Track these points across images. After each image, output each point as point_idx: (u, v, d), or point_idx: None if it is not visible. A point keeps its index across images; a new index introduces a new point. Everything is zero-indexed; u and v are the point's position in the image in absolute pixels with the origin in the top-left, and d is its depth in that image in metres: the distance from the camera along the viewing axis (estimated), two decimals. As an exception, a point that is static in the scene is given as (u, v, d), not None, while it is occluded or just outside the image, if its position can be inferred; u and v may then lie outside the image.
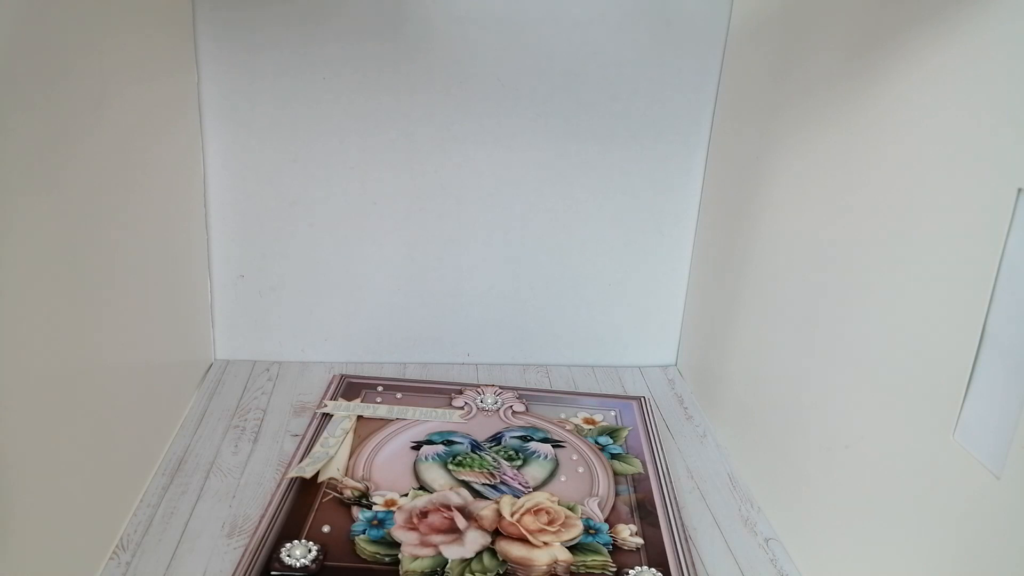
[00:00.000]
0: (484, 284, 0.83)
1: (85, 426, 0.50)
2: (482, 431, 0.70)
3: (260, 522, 0.57)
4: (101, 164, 0.52)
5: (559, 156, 0.79)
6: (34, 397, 0.44)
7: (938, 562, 0.43)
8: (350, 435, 0.68)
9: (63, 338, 0.47)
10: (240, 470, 0.64)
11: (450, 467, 0.64)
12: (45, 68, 0.44)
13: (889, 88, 0.49)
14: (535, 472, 0.64)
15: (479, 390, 0.77)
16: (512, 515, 0.58)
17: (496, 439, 0.69)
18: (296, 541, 0.54)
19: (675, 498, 0.63)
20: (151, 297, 0.62)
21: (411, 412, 0.72)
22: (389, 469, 0.63)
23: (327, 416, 0.71)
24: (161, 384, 0.66)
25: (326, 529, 0.56)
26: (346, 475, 0.62)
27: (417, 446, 0.67)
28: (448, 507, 0.59)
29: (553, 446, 0.68)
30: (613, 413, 0.76)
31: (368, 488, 0.61)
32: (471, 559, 0.54)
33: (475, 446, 0.67)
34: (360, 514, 0.58)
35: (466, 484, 0.62)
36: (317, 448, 0.65)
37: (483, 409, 0.74)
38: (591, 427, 0.72)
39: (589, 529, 0.58)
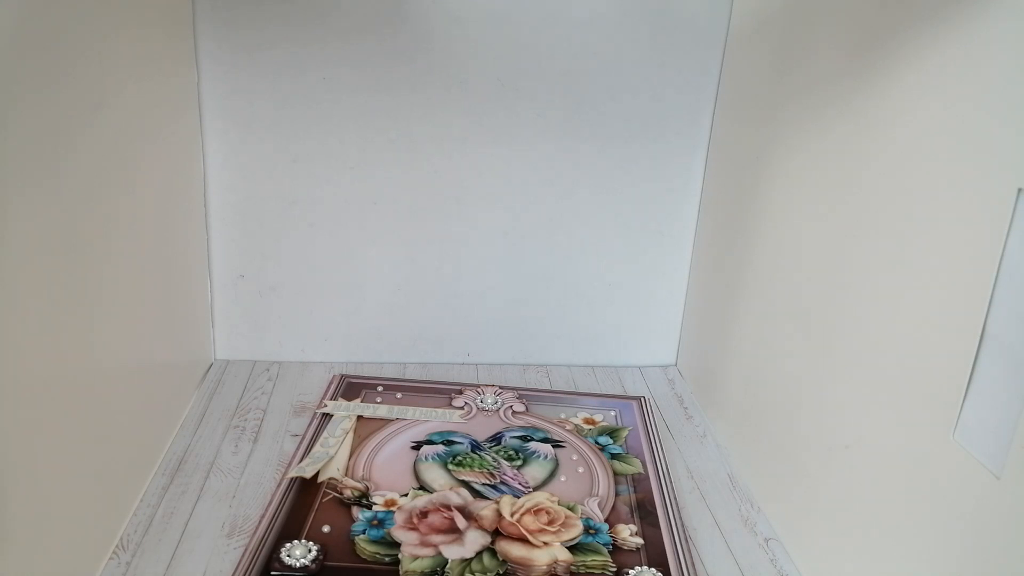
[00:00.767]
0: (484, 284, 0.83)
1: (85, 426, 0.50)
2: (482, 431, 0.70)
3: (260, 522, 0.57)
4: (100, 163, 0.52)
5: (559, 155, 0.79)
6: (33, 398, 0.43)
7: (938, 562, 0.43)
8: (350, 435, 0.68)
9: (62, 338, 0.47)
10: (240, 470, 0.64)
11: (450, 467, 0.64)
12: (44, 67, 0.44)
13: (889, 88, 0.49)
14: (535, 472, 0.64)
15: (479, 390, 0.77)
16: (512, 515, 0.58)
17: (496, 439, 0.69)
18: (296, 541, 0.54)
19: (675, 498, 0.63)
20: (150, 297, 0.62)
21: (411, 412, 0.72)
22: (389, 469, 0.63)
23: (327, 416, 0.71)
24: (161, 384, 0.66)
25: (326, 529, 0.56)
26: (346, 475, 0.62)
27: (417, 446, 0.67)
28: (448, 507, 0.59)
29: (553, 446, 0.68)
30: (613, 413, 0.76)
31: (368, 488, 0.61)
32: (471, 559, 0.54)
33: (475, 446, 0.67)
34: (360, 514, 0.58)
35: (466, 484, 0.62)
36: (317, 448, 0.65)
37: (483, 409, 0.74)
38: (591, 427, 0.72)
39: (589, 529, 0.58)
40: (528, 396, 0.77)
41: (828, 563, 0.54)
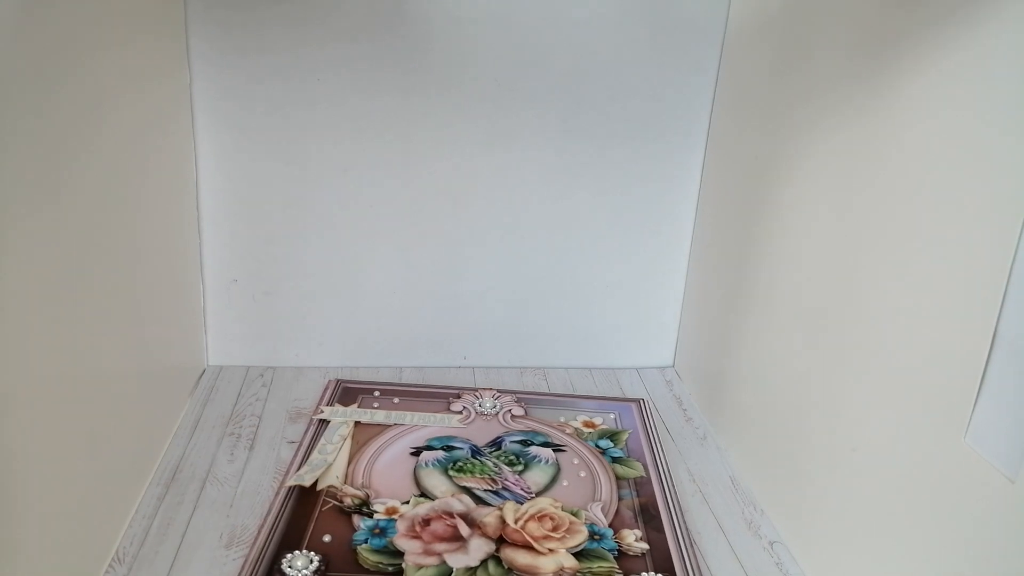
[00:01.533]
0: (480, 286, 0.83)
1: (77, 435, 0.49)
2: (482, 436, 0.69)
3: (259, 532, 0.56)
4: (91, 168, 0.51)
5: (556, 157, 0.79)
6: (23, 407, 0.42)
7: (949, 567, 0.43)
8: (348, 441, 0.67)
9: (52, 346, 0.46)
10: (237, 479, 0.63)
11: (451, 473, 0.63)
12: (36, 72, 0.43)
13: (896, 90, 0.49)
14: (536, 477, 0.64)
15: (477, 394, 0.77)
16: (516, 522, 0.57)
17: (496, 444, 0.68)
18: (297, 552, 0.53)
19: (678, 502, 0.63)
20: (142, 302, 0.61)
21: (409, 417, 0.71)
22: (389, 476, 0.63)
23: (324, 422, 0.70)
24: (153, 391, 0.64)
25: (327, 539, 0.55)
26: (345, 483, 0.61)
27: (416, 452, 0.66)
28: (451, 514, 0.58)
29: (554, 450, 0.68)
30: (612, 416, 0.75)
31: (368, 496, 0.60)
32: (476, 567, 0.53)
33: (475, 451, 0.67)
34: (361, 523, 0.57)
35: (468, 490, 0.61)
36: (315, 455, 0.64)
37: (482, 413, 0.73)
38: (591, 430, 0.72)
39: (594, 535, 0.57)
40: (527, 399, 0.77)
41: (834, 567, 0.54)
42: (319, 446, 0.66)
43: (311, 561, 0.52)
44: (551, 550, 0.55)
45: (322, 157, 0.76)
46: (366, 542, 0.55)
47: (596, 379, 0.85)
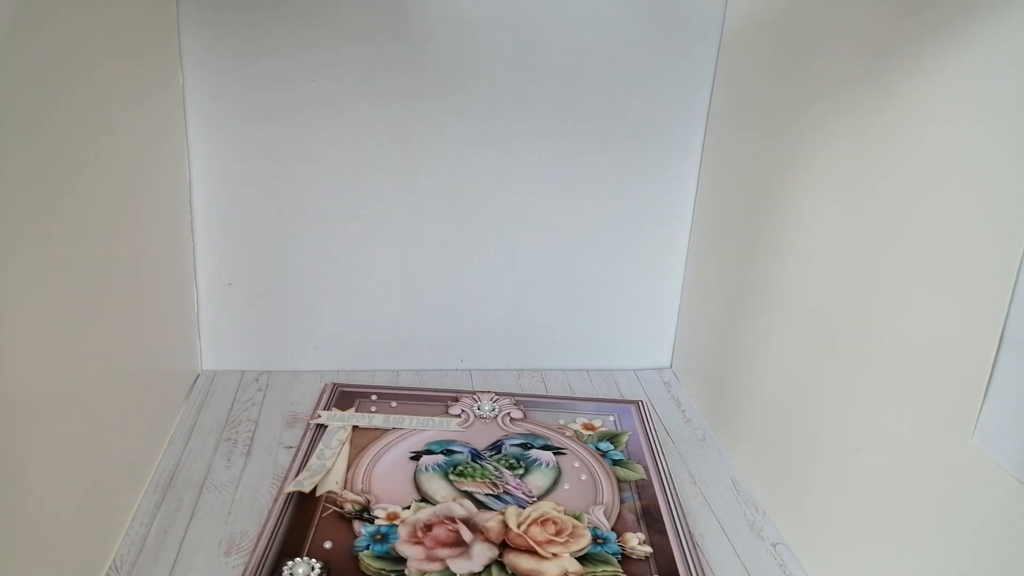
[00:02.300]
0: (477, 288, 0.82)
1: (72, 442, 0.48)
2: (481, 439, 0.69)
3: (259, 539, 0.55)
4: (83, 172, 0.50)
5: (553, 158, 0.78)
6: (17, 416, 0.41)
7: (956, 570, 0.43)
8: (346, 446, 0.66)
9: (44, 352, 0.45)
10: (234, 485, 0.62)
11: (451, 477, 0.63)
12: (28, 78, 0.42)
13: (900, 89, 0.49)
14: (537, 480, 0.63)
15: (475, 397, 0.76)
16: (519, 526, 0.57)
17: (496, 447, 0.68)
18: (298, 559, 0.53)
19: (680, 504, 0.62)
20: (135, 307, 0.60)
21: (408, 421, 0.71)
22: (389, 481, 0.62)
23: (321, 427, 0.69)
24: (147, 397, 0.63)
25: (328, 545, 0.54)
26: (345, 488, 0.61)
27: (416, 456, 0.65)
28: (453, 519, 0.57)
29: (554, 453, 0.67)
30: (612, 418, 0.75)
31: (369, 501, 0.59)
32: (480, 573, 0.52)
33: (475, 455, 0.66)
34: (362, 528, 0.56)
35: (469, 495, 0.61)
36: (313, 460, 0.64)
37: (480, 416, 0.73)
38: (591, 433, 0.71)
39: (597, 539, 0.57)
40: (525, 402, 0.76)
41: (838, 568, 0.53)
42: (317, 451, 0.65)
43: (312, 568, 0.52)
44: (555, 555, 0.54)
45: (317, 159, 0.75)
46: (368, 548, 0.54)
47: (594, 381, 0.84)
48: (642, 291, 0.85)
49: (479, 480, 0.62)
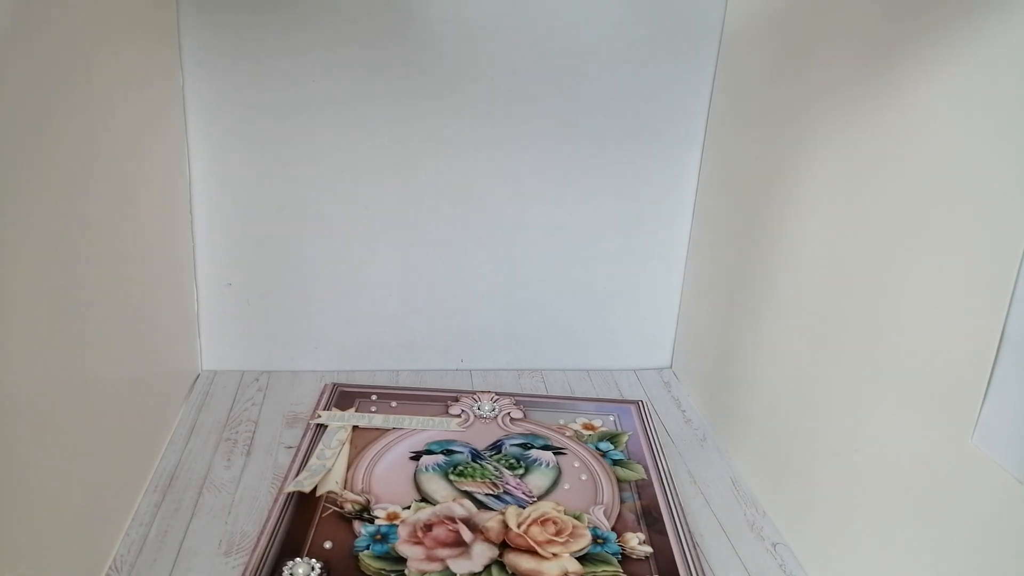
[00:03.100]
0: (477, 288, 0.82)
1: (71, 443, 0.48)
2: (481, 439, 0.69)
3: (259, 539, 0.55)
4: (83, 171, 0.50)
5: (553, 158, 0.78)
6: (16, 416, 0.41)
7: (956, 570, 0.43)
8: (346, 446, 0.66)
9: (44, 352, 0.45)
10: (234, 485, 0.62)
11: (451, 477, 0.63)
12: (29, 76, 0.42)
13: (900, 91, 0.49)
14: (537, 480, 0.63)
15: (475, 397, 0.76)
16: (519, 526, 0.57)
17: (496, 447, 0.68)
18: (298, 559, 0.53)
19: (680, 504, 0.62)
20: (134, 307, 0.60)
21: (408, 421, 0.71)
22: (389, 481, 0.62)
23: (321, 427, 0.69)
24: (147, 397, 0.63)
25: (328, 545, 0.54)
26: (345, 488, 0.61)
27: (416, 456, 0.65)
28: (453, 519, 0.57)
29: (554, 453, 0.67)
30: (612, 418, 0.75)
31: (369, 501, 0.59)
32: (480, 573, 0.52)
33: (475, 455, 0.66)
34: (362, 528, 0.56)
35: (469, 495, 0.61)
36: (313, 460, 0.64)
37: (480, 416, 0.73)
38: (591, 433, 0.71)
39: (597, 539, 0.57)
40: (525, 402, 0.76)
41: (838, 568, 0.53)
42: (317, 451, 0.65)
43: (313, 568, 0.52)
44: (555, 555, 0.54)
45: (317, 159, 0.75)
46: (368, 548, 0.54)
47: (594, 381, 0.84)
48: (642, 291, 0.85)
49: (479, 480, 0.62)
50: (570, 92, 0.76)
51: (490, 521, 0.57)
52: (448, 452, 0.66)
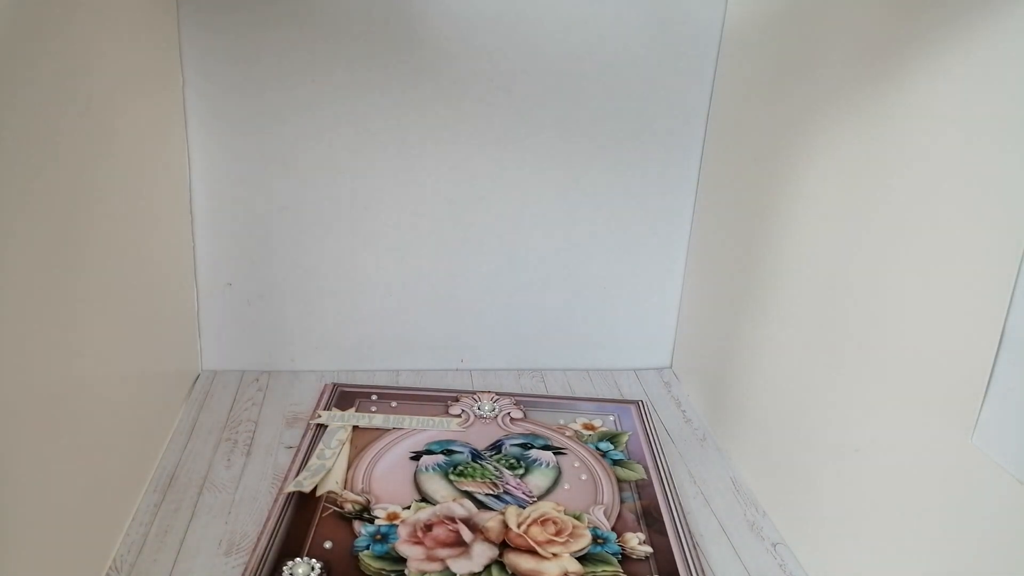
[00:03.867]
0: (477, 288, 0.82)
1: (71, 442, 0.48)
2: (481, 439, 0.69)
3: (259, 539, 0.55)
4: (83, 172, 0.50)
5: (553, 158, 0.78)
6: (16, 415, 0.41)
7: (956, 570, 0.43)
8: (346, 446, 0.66)
9: (44, 352, 0.45)
10: (234, 485, 0.62)
11: (451, 477, 0.63)
12: (29, 76, 0.42)
13: (902, 90, 0.49)
14: (538, 480, 0.63)
15: (475, 397, 0.76)
16: (519, 526, 0.57)
17: (496, 447, 0.68)
18: (298, 559, 0.53)
19: (680, 504, 0.62)
20: (135, 307, 0.60)
21: (408, 421, 0.71)
22: (389, 481, 0.62)
23: (321, 427, 0.69)
24: (147, 397, 0.63)
25: (328, 545, 0.54)
26: (345, 488, 0.61)
27: (416, 456, 0.65)
28: (453, 519, 0.57)
29: (554, 453, 0.67)
30: (612, 418, 0.75)
31: (369, 501, 0.59)
32: (480, 573, 0.52)
33: (475, 455, 0.66)
34: (362, 528, 0.56)
35: (469, 495, 0.61)
36: (313, 460, 0.64)
37: (480, 416, 0.73)
38: (591, 433, 0.71)
39: (597, 539, 0.57)
40: (525, 402, 0.76)
41: (838, 568, 0.53)
42: (317, 451, 0.65)
43: (312, 568, 0.52)
44: (555, 555, 0.54)
45: (317, 159, 0.75)
46: (368, 548, 0.54)
47: (594, 381, 0.84)
48: (642, 291, 0.85)
49: (479, 480, 0.62)
50: (570, 92, 0.76)
51: (490, 521, 0.57)
52: (448, 452, 0.66)
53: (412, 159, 0.76)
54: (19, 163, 0.41)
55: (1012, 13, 0.40)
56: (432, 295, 0.81)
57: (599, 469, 0.66)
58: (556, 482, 0.63)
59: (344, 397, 0.75)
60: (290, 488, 0.60)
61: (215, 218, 0.76)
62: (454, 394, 0.77)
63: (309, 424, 0.70)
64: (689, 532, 0.59)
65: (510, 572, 0.53)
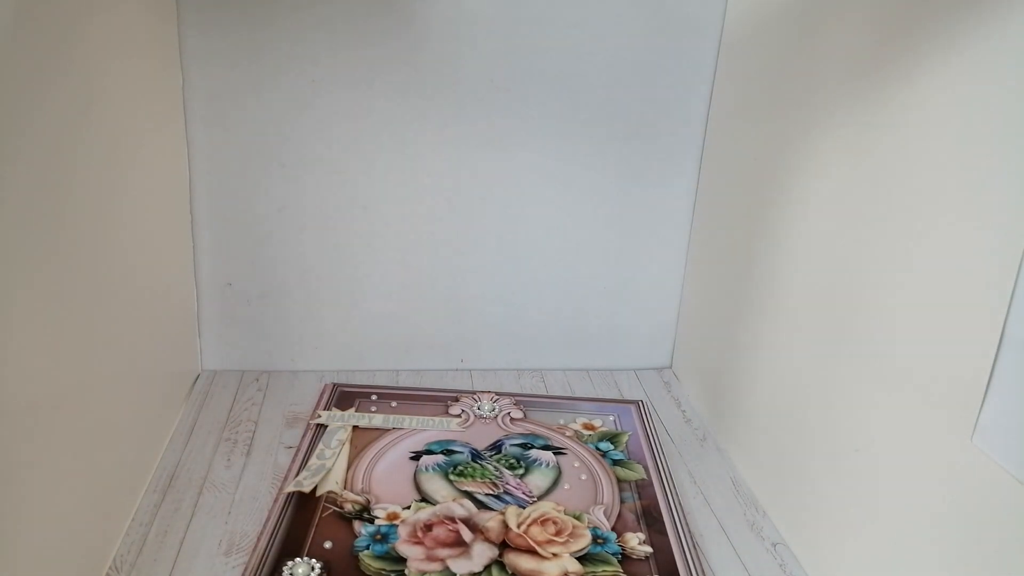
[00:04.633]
0: (477, 288, 0.82)
1: (72, 442, 0.48)
2: (481, 439, 0.69)
3: (259, 539, 0.55)
4: (83, 171, 0.50)
5: (553, 158, 0.78)
6: (16, 416, 0.41)
7: (956, 570, 0.43)
8: (346, 446, 0.66)
9: (44, 352, 0.45)
10: (234, 485, 0.62)
11: (451, 477, 0.63)
12: (29, 75, 0.42)
13: (902, 89, 0.49)
14: (537, 480, 0.63)
15: (475, 397, 0.76)
16: (519, 526, 0.57)
17: (496, 447, 0.68)
18: (298, 559, 0.53)
19: (680, 504, 0.62)
20: (134, 307, 0.60)
21: (408, 421, 0.71)
22: (389, 481, 0.62)
23: (321, 427, 0.69)
24: (147, 397, 0.63)
25: (328, 545, 0.54)
26: (345, 488, 0.61)
27: (416, 456, 0.65)
28: (453, 519, 0.57)
29: (554, 453, 0.67)
30: (612, 418, 0.75)
31: (369, 501, 0.59)
32: (480, 573, 0.52)
33: (475, 455, 0.66)
34: (362, 528, 0.56)
35: (469, 495, 0.61)
36: (313, 460, 0.64)
37: (480, 416, 0.73)
38: (591, 433, 0.71)
39: (597, 539, 0.57)
40: (525, 402, 0.76)
41: (838, 568, 0.53)
42: (317, 451, 0.65)
43: (312, 568, 0.52)
44: (555, 555, 0.54)
45: (317, 159, 0.75)
46: (368, 548, 0.54)
47: (594, 381, 0.84)
48: (642, 291, 0.85)
49: (479, 480, 0.62)
50: (570, 91, 0.76)
51: (490, 521, 0.57)
52: (448, 452, 0.66)
53: (412, 159, 0.76)
54: (19, 163, 0.41)
55: (1012, 13, 0.40)
56: (432, 295, 0.81)
57: (599, 469, 0.66)
58: (556, 482, 0.63)
59: (344, 397, 0.75)
60: (290, 488, 0.60)
61: (215, 218, 0.76)
62: (454, 394, 0.77)
63: (309, 424, 0.70)
64: (689, 532, 0.59)
65: (510, 572, 0.53)
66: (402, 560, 0.53)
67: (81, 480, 0.49)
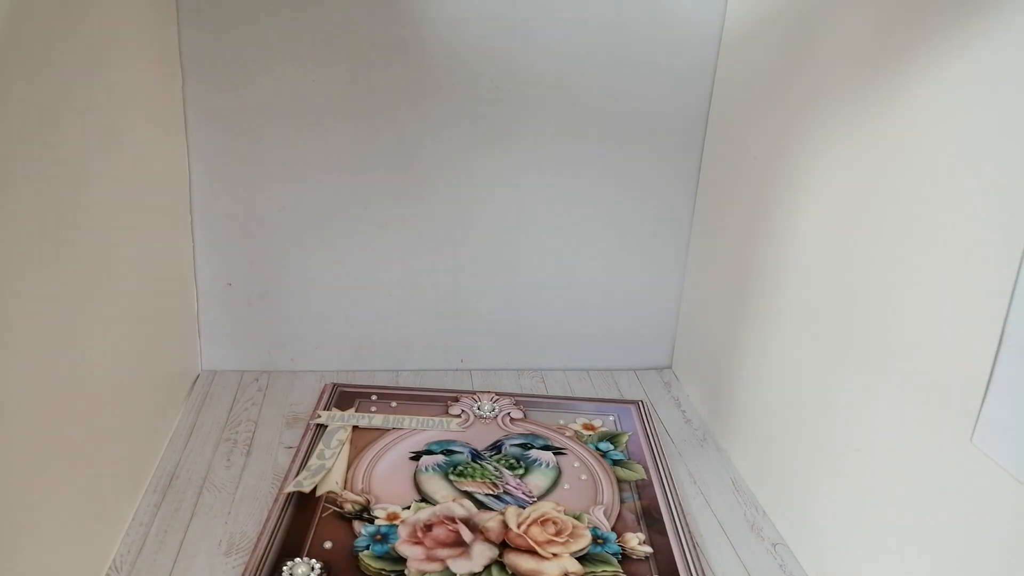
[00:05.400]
0: (477, 288, 0.82)
1: (71, 443, 0.48)
2: (481, 439, 0.69)
3: (259, 539, 0.55)
4: (82, 170, 0.50)
5: (553, 158, 0.78)
6: (16, 416, 0.41)
7: (956, 570, 0.43)
8: (346, 446, 0.66)
9: (44, 352, 0.45)
10: (234, 485, 0.62)
11: (451, 477, 0.63)
12: (27, 73, 0.42)
13: (902, 91, 0.49)
14: (537, 481, 0.63)
15: (475, 397, 0.76)
16: (519, 526, 0.57)
17: (496, 447, 0.68)
18: (298, 559, 0.53)
19: (680, 504, 0.62)
20: (134, 307, 0.60)
21: (408, 421, 0.71)
22: (389, 481, 0.62)
23: (321, 427, 0.69)
24: (147, 397, 0.63)
25: (328, 545, 0.54)
26: (345, 488, 0.61)
27: (416, 456, 0.65)
28: (453, 519, 0.57)
29: (554, 453, 0.67)
30: (612, 418, 0.75)
31: (369, 501, 0.59)
32: (480, 573, 0.52)
33: (475, 455, 0.66)
34: (362, 529, 0.56)
35: (469, 495, 0.61)
36: (313, 460, 0.64)
37: (480, 417, 0.73)
38: (591, 433, 0.71)
39: (597, 539, 0.57)
40: (525, 402, 0.76)
41: (838, 568, 0.53)
42: (317, 451, 0.65)
43: (312, 568, 0.52)
44: (555, 555, 0.54)
45: (317, 159, 0.75)
46: (368, 548, 0.54)
47: (594, 381, 0.84)
48: (642, 291, 0.85)
49: (479, 480, 0.62)
50: (570, 92, 0.76)
51: (490, 521, 0.57)
52: (448, 452, 0.66)
53: (412, 159, 0.76)
54: (17, 165, 0.41)
55: (1012, 13, 0.40)
56: (432, 295, 0.81)
57: (599, 469, 0.66)
58: (556, 482, 0.63)
59: (344, 397, 0.75)
60: (290, 488, 0.60)
61: (215, 218, 0.76)
62: (454, 394, 0.77)
63: (309, 424, 0.70)
64: (689, 532, 0.59)
65: (510, 572, 0.53)
66: (402, 560, 0.53)
67: (81, 480, 0.49)
